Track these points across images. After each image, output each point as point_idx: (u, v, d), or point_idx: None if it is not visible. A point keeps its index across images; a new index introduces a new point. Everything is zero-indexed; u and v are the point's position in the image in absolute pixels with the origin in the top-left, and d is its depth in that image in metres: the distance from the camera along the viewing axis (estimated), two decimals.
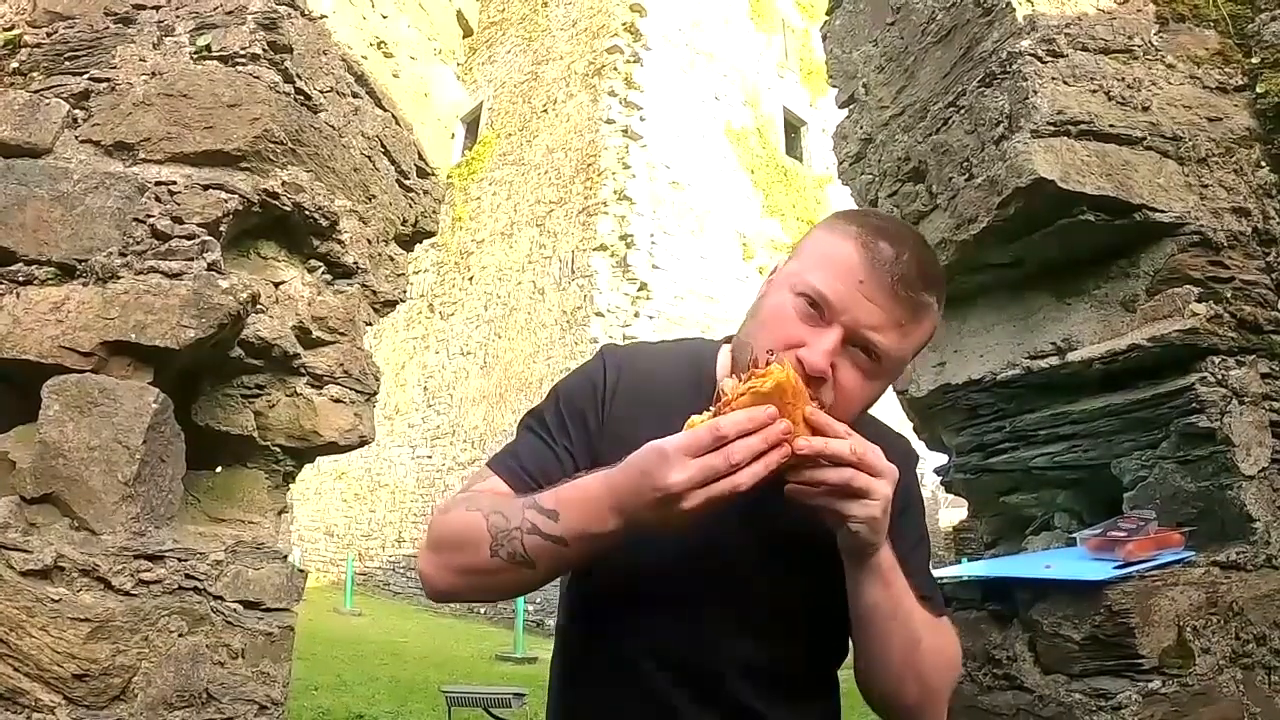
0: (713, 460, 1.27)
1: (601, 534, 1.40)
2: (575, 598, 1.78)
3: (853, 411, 1.52)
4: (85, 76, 3.42)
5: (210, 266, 3.14)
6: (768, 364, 1.34)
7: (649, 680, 1.60)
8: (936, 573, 3.25)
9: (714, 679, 1.60)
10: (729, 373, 1.61)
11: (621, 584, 1.62)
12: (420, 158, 4.44)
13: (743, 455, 1.27)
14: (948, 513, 24.83)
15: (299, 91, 3.53)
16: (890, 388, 3.63)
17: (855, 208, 1.70)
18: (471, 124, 27.30)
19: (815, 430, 1.36)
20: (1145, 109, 3.08)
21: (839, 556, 1.50)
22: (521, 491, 1.59)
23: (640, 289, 20.90)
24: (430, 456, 24.38)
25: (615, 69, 22.36)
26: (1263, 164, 3.22)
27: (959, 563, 3.85)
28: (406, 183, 4.31)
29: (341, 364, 3.78)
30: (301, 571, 3.52)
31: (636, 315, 20.57)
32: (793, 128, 27.53)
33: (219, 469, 3.69)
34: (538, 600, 17.55)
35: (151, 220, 3.16)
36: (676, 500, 1.29)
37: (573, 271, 21.25)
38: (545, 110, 24.40)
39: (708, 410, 1.35)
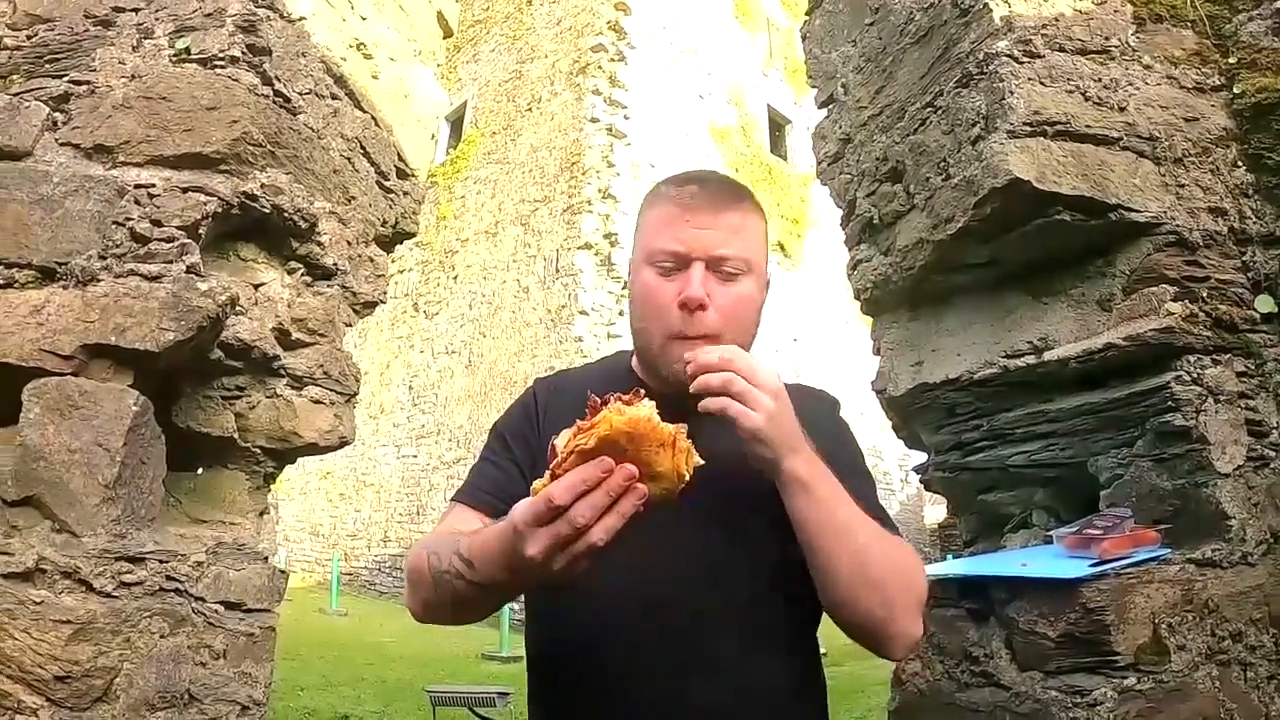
0: (558, 528, 1.27)
1: (510, 582, 1.45)
2: (535, 646, 1.88)
3: (743, 317, 1.72)
4: (65, 79, 3.42)
5: (189, 269, 3.15)
6: (598, 410, 1.31)
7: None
8: None
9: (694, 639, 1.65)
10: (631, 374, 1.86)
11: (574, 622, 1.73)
12: (400, 159, 4.44)
13: (588, 515, 1.26)
14: (933, 510, 24.93)
15: (278, 94, 3.54)
16: (870, 388, 3.67)
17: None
18: (456, 122, 27.24)
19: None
20: (1122, 109, 3.09)
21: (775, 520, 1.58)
22: (482, 509, 1.75)
23: (624, 287, 20.81)
24: (415, 456, 24.31)
25: (599, 67, 22.33)
26: (1239, 164, 3.23)
27: (944, 559, 3.86)
28: (386, 184, 4.32)
29: (321, 365, 3.79)
30: (283, 572, 3.52)
31: (621, 313, 20.50)
32: (777, 126, 27.56)
33: (200, 470, 3.69)
34: (522, 599, 17.50)
35: (131, 223, 3.16)
36: (544, 566, 1.30)
37: (557, 270, 21.21)
38: (529, 109, 24.34)
39: (549, 471, 1.32)
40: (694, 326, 1.65)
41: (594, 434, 1.27)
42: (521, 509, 1.31)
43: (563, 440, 1.31)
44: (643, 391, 1.35)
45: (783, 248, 25.49)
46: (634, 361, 1.90)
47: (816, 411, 1.85)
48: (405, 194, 4.47)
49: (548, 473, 1.30)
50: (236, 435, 3.63)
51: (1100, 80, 3.09)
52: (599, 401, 1.32)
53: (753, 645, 1.67)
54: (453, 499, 1.85)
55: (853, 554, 1.55)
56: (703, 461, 1.38)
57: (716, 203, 1.71)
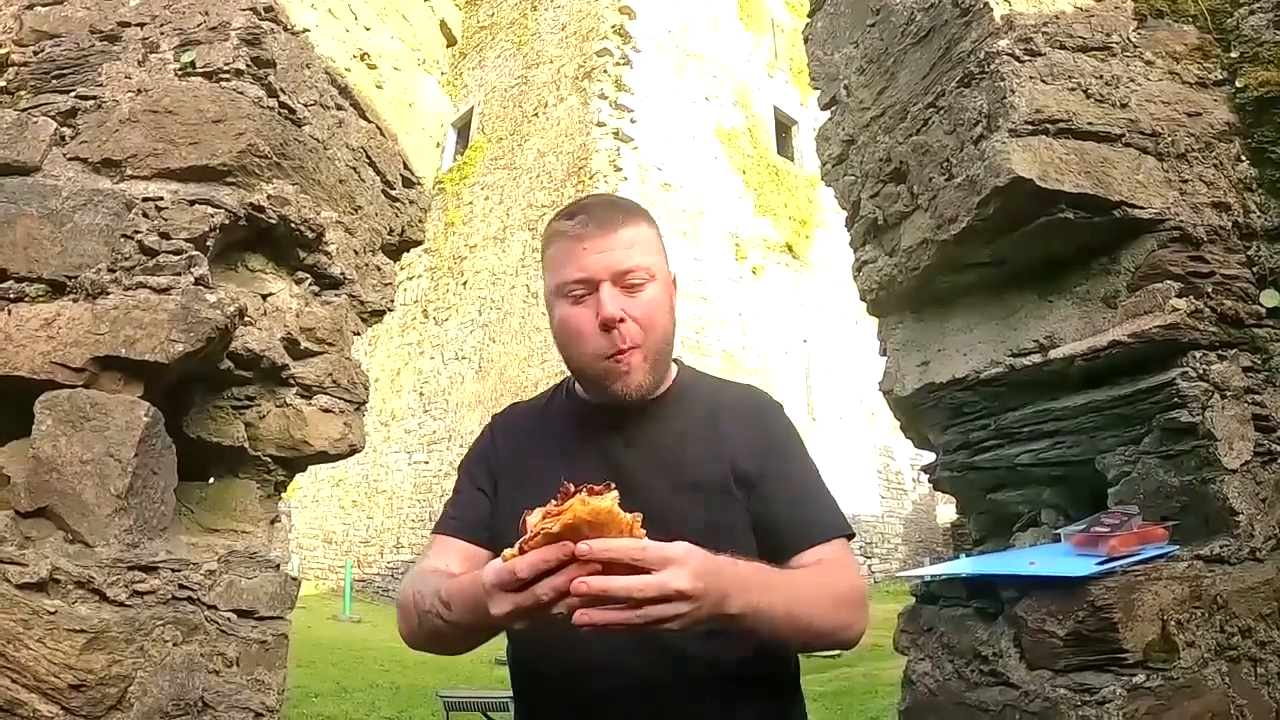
0: (521, 599, 1.39)
1: (481, 627, 1.59)
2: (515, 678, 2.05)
3: (656, 319, 1.88)
4: (72, 94, 3.45)
5: (198, 281, 3.17)
6: (569, 497, 1.40)
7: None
8: (929, 570, 3.28)
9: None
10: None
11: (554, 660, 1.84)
12: (405, 167, 4.47)
13: (549, 594, 1.37)
14: (945, 509, 24.92)
15: (283, 105, 3.56)
16: (878, 388, 3.68)
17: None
18: (463, 129, 27.31)
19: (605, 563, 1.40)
20: (1124, 106, 3.09)
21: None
22: (456, 535, 1.98)
23: None
24: (427, 462, 24.36)
25: (605, 72, 22.38)
26: (1243, 158, 3.23)
27: (957, 558, 3.85)
28: (392, 193, 4.34)
29: (330, 374, 3.81)
30: (295, 579, 3.54)
31: None
32: (784, 127, 27.57)
33: (211, 480, 3.71)
34: None
35: (139, 236, 3.19)
36: (508, 624, 1.45)
37: None
38: (536, 114, 24.40)
39: (519, 545, 1.42)
40: (617, 342, 1.82)
41: (560, 520, 1.38)
42: (490, 572, 1.44)
43: (534, 518, 1.42)
44: (612, 485, 1.43)
45: (791, 249, 25.51)
46: (576, 385, 2.08)
47: (755, 419, 2.06)
48: (411, 202, 4.49)
49: (517, 545, 1.42)
50: (247, 444, 3.65)
51: (1102, 77, 3.09)
52: (571, 489, 1.42)
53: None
54: (433, 532, 2.06)
55: (797, 629, 1.68)
56: None
57: (607, 225, 1.87)
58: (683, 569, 1.40)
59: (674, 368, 2.10)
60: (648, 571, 1.38)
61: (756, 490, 1.90)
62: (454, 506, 2.05)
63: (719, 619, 1.49)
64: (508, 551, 1.42)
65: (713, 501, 1.86)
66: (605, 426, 1.98)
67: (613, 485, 1.43)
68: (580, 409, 2.05)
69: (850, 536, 1.95)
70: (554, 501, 1.41)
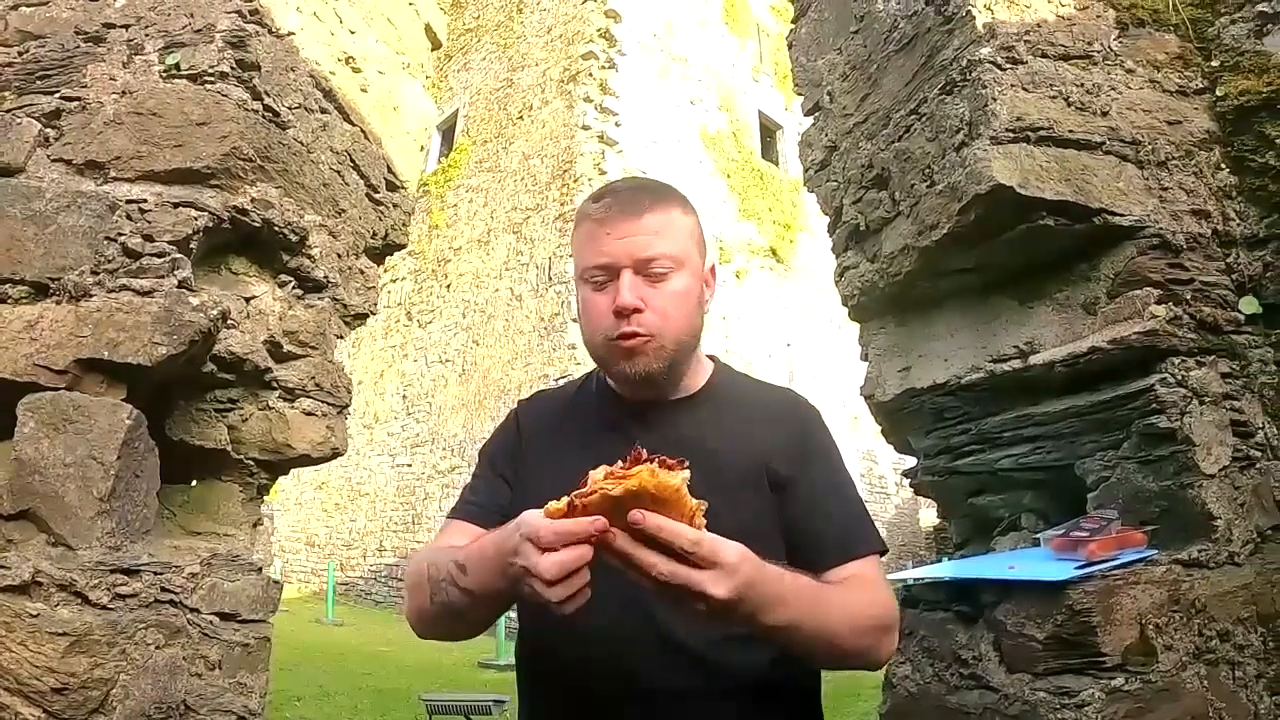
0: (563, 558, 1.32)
1: (500, 592, 1.51)
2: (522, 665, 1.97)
3: (679, 312, 1.79)
4: (56, 95, 3.44)
5: (181, 284, 3.17)
6: (639, 462, 1.32)
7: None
8: (910, 574, 3.29)
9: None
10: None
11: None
12: (390, 171, 4.47)
13: (575, 561, 1.32)
14: (928, 513, 24.94)
15: (267, 108, 3.56)
16: (859, 393, 3.69)
17: None
18: (447, 131, 27.23)
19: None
20: (1104, 114, 3.11)
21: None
22: (477, 520, 1.85)
23: None
24: (410, 465, 24.27)
25: (590, 75, 22.33)
26: (1223, 166, 3.25)
27: (939, 561, 3.86)
28: (376, 196, 4.34)
29: (313, 377, 3.81)
30: (277, 583, 3.54)
31: None
32: (768, 131, 27.57)
33: (193, 483, 3.71)
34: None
35: (123, 238, 3.18)
36: (544, 586, 1.32)
37: (550, 278, 21.19)
38: (521, 117, 24.34)
39: (570, 494, 1.34)
40: (624, 328, 1.73)
41: (624, 485, 1.29)
42: (527, 523, 1.37)
43: (597, 475, 1.34)
44: (686, 462, 1.36)
45: (774, 253, 25.52)
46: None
47: (793, 423, 1.96)
48: (395, 206, 4.49)
49: (567, 498, 1.33)
50: (229, 447, 3.64)
51: (1083, 85, 3.12)
52: (643, 455, 1.34)
53: (721, 639, 1.68)
54: (448, 516, 1.94)
55: (829, 646, 1.61)
56: None
57: (632, 209, 1.78)
58: (728, 578, 1.34)
59: (709, 365, 2.02)
60: (695, 565, 1.32)
61: (791, 496, 1.81)
62: (473, 492, 1.97)
63: (757, 627, 1.44)
64: (552, 504, 1.33)
65: (744, 502, 1.75)
66: (633, 419, 1.88)
67: (686, 463, 1.35)
68: (608, 400, 1.96)
69: (884, 553, 1.88)
70: (620, 464, 1.33)
